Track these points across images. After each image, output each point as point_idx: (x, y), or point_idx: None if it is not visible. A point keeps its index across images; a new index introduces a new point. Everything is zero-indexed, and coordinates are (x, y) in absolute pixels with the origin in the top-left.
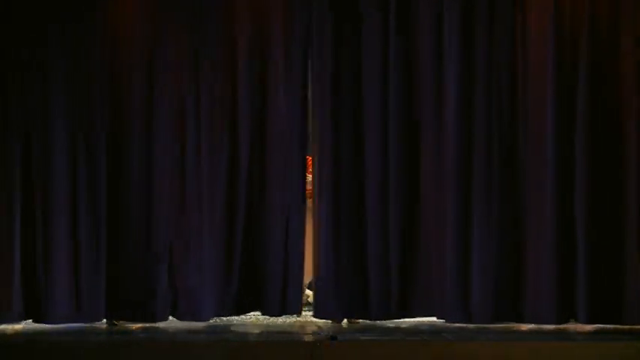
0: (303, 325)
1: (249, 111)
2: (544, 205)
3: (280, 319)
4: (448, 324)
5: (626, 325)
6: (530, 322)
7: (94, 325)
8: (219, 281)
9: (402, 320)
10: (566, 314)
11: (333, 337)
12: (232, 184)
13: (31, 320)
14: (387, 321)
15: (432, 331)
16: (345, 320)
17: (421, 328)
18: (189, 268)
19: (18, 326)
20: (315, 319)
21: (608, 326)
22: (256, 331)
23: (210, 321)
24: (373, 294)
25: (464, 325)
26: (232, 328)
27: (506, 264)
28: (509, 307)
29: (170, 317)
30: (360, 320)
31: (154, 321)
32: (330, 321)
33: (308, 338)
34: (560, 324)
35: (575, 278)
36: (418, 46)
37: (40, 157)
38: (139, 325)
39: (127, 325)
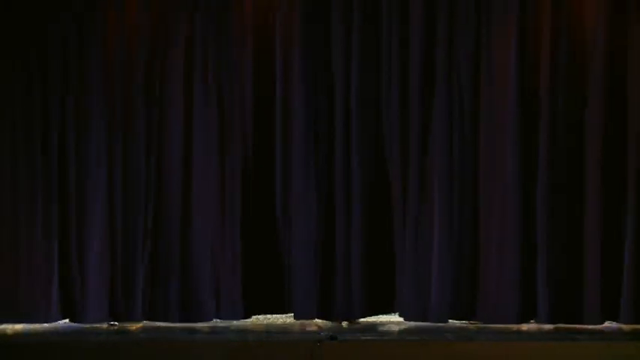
0: (303, 325)
1: (273, 112)
2: (505, 205)
3: (280, 319)
4: (448, 324)
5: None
6: (490, 322)
7: (94, 325)
8: (258, 282)
9: (401, 320)
10: (527, 314)
11: (333, 337)
12: (260, 184)
13: (67, 320)
14: (388, 321)
15: (432, 331)
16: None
17: (421, 328)
18: (229, 268)
19: (18, 326)
20: (315, 319)
21: (612, 327)
22: (256, 331)
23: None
24: (339, 294)
25: (464, 325)
26: (232, 328)
27: (466, 264)
28: (469, 307)
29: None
30: (361, 320)
31: (197, 321)
32: (329, 321)
33: (308, 338)
34: (520, 324)
35: (536, 278)
36: (381, 45)
37: (77, 159)
38: (139, 324)
39: (127, 325)
